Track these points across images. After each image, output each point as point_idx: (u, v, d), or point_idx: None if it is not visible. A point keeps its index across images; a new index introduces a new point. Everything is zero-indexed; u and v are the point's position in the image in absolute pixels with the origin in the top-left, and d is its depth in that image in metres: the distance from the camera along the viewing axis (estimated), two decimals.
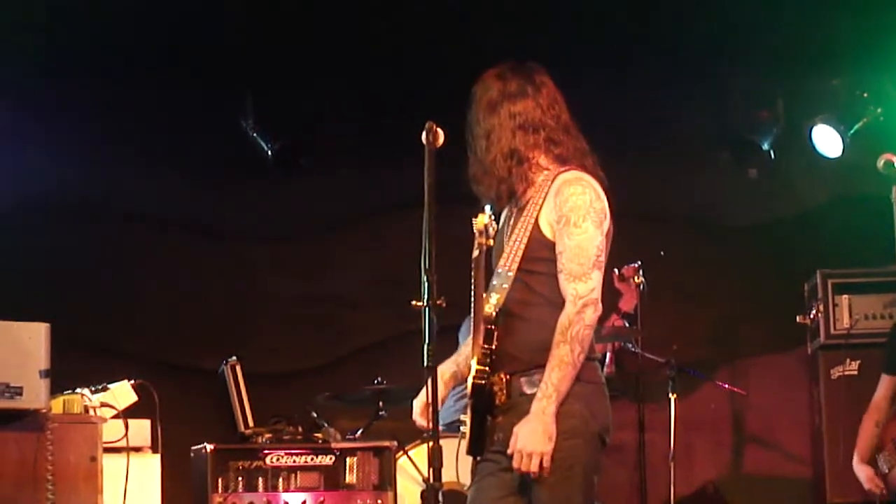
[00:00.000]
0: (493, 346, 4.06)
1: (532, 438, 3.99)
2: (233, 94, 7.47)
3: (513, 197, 4.24)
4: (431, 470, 3.97)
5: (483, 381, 4.07)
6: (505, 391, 4.11)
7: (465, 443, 4.23)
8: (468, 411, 4.14)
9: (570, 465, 4.04)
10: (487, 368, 4.07)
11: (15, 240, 7.27)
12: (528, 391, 4.09)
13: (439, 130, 4.11)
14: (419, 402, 4.24)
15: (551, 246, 4.12)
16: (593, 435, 4.10)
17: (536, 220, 4.14)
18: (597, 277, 4.07)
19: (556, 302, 4.09)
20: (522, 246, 4.13)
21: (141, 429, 5.78)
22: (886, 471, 6.39)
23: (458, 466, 4.19)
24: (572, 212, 4.08)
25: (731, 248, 8.06)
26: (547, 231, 4.13)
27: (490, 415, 4.13)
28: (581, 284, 4.04)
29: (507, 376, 4.11)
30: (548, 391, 4.00)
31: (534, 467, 3.99)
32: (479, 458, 4.22)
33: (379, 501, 6.31)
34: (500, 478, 4.15)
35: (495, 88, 4.24)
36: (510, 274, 4.09)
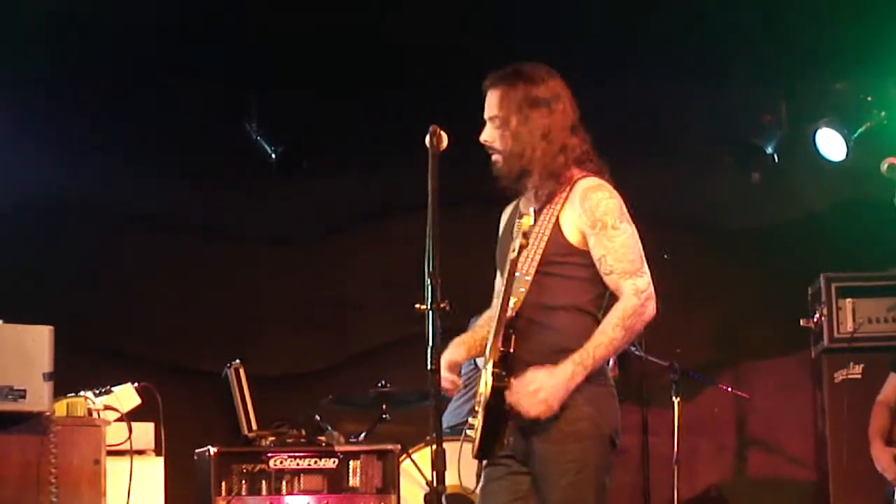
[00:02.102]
0: (511, 350, 4.07)
1: (551, 393, 4.00)
2: (236, 96, 7.48)
3: (519, 194, 4.27)
4: (435, 473, 3.97)
5: (502, 385, 4.08)
6: None
7: (468, 446, 4.23)
8: (480, 414, 4.14)
9: (581, 466, 4.07)
10: (504, 372, 4.08)
11: (18, 242, 7.27)
12: None
13: (443, 133, 4.13)
14: (447, 360, 4.24)
15: (574, 251, 4.15)
16: (604, 437, 4.13)
17: (557, 223, 4.16)
18: (648, 271, 4.16)
19: (571, 306, 4.13)
20: (540, 250, 4.14)
21: (144, 432, 5.78)
22: None
23: (460, 470, 4.18)
24: (606, 215, 4.13)
25: (734, 252, 8.06)
26: (571, 236, 4.16)
27: (502, 419, 4.13)
28: (639, 279, 4.12)
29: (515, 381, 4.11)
30: (586, 360, 4.04)
31: (533, 413, 4.01)
32: (486, 462, 4.24)
33: None
34: (509, 481, 4.17)
35: (533, 89, 4.22)
36: (528, 278, 4.10)
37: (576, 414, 4.08)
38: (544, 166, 4.18)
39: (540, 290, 4.11)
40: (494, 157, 4.25)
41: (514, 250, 4.02)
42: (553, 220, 4.17)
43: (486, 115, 4.26)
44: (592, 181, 4.20)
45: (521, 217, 4.10)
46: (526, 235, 4.02)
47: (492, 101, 4.24)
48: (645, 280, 4.13)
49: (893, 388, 6.48)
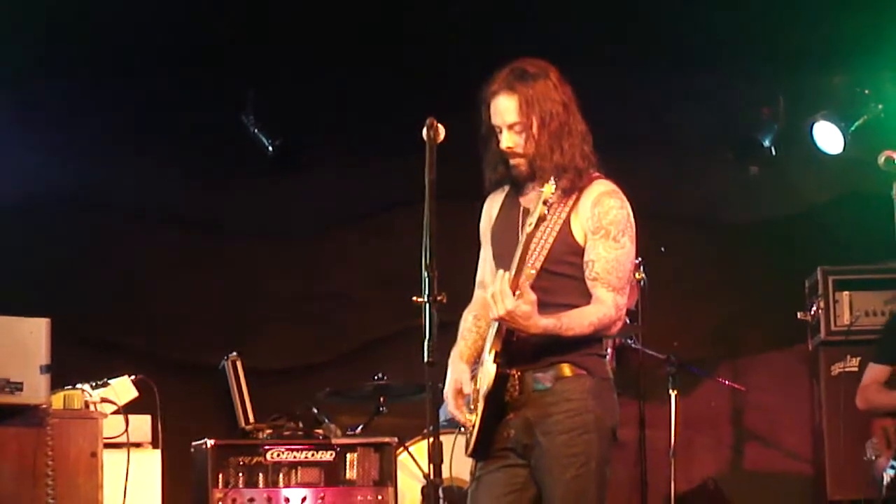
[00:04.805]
0: (514, 339, 4.07)
1: (521, 320, 3.97)
2: (234, 90, 7.47)
3: (520, 186, 4.27)
4: (432, 466, 3.97)
5: (506, 373, 4.09)
6: (517, 388, 4.13)
7: (462, 439, 4.23)
8: (480, 406, 4.13)
9: (585, 459, 4.09)
10: (505, 361, 4.08)
11: (16, 235, 7.27)
12: (541, 387, 4.12)
13: (440, 126, 4.13)
14: (450, 391, 4.23)
15: (580, 251, 4.16)
16: (607, 430, 4.16)
17: (567, 222, 4.16)
18: (628, 293, 4.20)
19: (573, 306, 4.12)
20: (547, 246, 4.14)
21: (141, 424, 5.79)
22: (874, 458, 6.42)
23: (452, 462, 4.18)
24: (612, 225, 4.14)
25: (731, 245, 8.06)
26: (579, 236, 4.17)
27: (502, 412, 4.14)
28: (620, 297, 4.14)
29: (519, 372, 4.13)
30: (559, 323, 4.04)
31: (498, 311, 3.97)
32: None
33: (379, 497, 6.31)
34: (506, 473, 4.18)
35: (546, 88, 4.20)
36: (532, 271, 4.08)
37: (580, 407, 4.11)
38: (573, 162, 4.17)
39: (543, 287, 4.08)
40: (516, 161, 4.21)
41: (531, 224, 3.95)
42: (563, 217, 4.16)
43: (500, 122, 4.20)
44: (607, 185, 4.22)
45: (541, 185, 4.03)
46: (547, 203, 3.96)
47: (509, 107, 4.18)
48: (624, 300, 4.16)
49: (872, 381, 6.51)
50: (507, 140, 4.20)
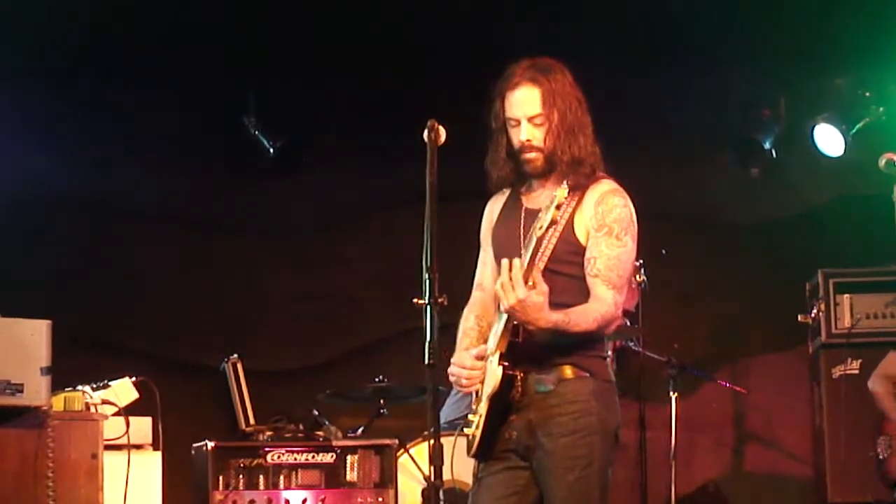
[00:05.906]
0: (519, 340, 4.07)
1: (532, 311, 3.95)
2: (235, 90, 7.47)
3: (528, 183, 4.27)
4: (432, 468, 3.97)
5: (513, 374, 4.09)
6: (520, 389, 4.12)
7: (463, 441, 4.23)
8: (484, 406, 4.13)
9: (588, 462, 4.10)
10: (511, 363, 4.08)
11: (17, 236, 7.26)
12: (544, 388, 4.12)
13: (441, 128, 4.13)
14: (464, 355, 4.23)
15: (583, 251, 4.16)
16: (610, 432, 4.17)
17: (571, 222, 4.16)
18: (626, 293, 4.20)
19: (573, 304, 4.11)
20: (551, 246, 4.13)
21: (142, 426, 5.78)
22: (884, 456, 6.40)
23: (453, 464, 4.18)
24: (616, 223, 4.15)
25: (732, 247, 8.06)
26: (581, 236, 4.17)
27: (506, 413, 4.14)
28: (619, 296, 4.13)
29: (522, 374, 4.12)
30: (567, 318, 4.02)
31: (509, 300, 3.94)
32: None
33: (380, 499, 6.31)
34: (507, 475, 4.18)
35: (566, 84, 4.22)
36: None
37: (583, 409, 4.11)
38: (587, 158, 4.19)
39: (547, 286, 4.08)
40: (532, 156, 4.20)
41: (541, 227, 3.92)
42: (567, 217, 4.15)
43: (520, 114, 4.18)
44: (611, 184, 4.23)
45: (554, 189, 4.02)
46: (560, 208, 3.93)
47: (532, 99, 4.17)
48: (622, 299, 4.16)
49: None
50: (527, 132, 4.19)
